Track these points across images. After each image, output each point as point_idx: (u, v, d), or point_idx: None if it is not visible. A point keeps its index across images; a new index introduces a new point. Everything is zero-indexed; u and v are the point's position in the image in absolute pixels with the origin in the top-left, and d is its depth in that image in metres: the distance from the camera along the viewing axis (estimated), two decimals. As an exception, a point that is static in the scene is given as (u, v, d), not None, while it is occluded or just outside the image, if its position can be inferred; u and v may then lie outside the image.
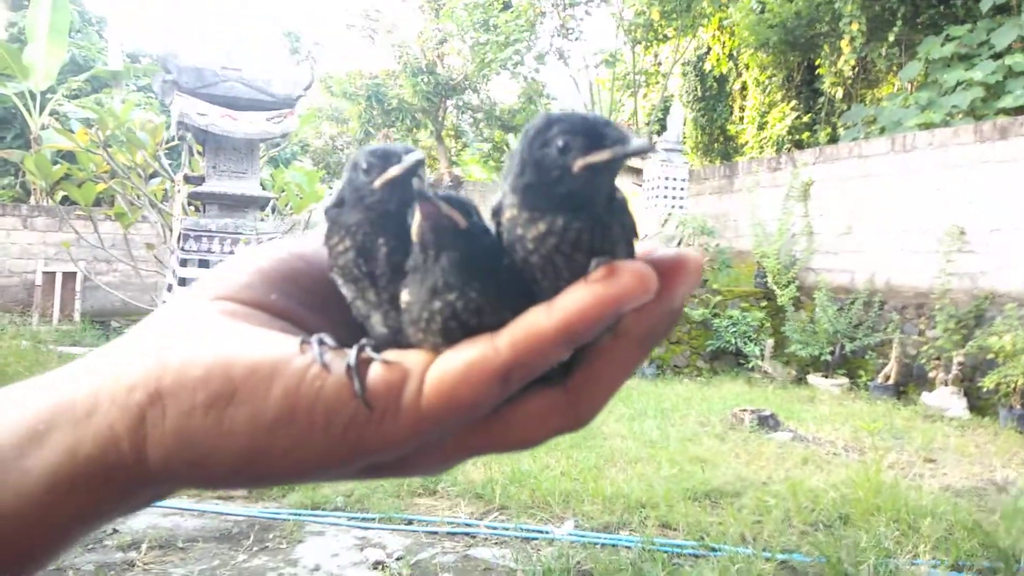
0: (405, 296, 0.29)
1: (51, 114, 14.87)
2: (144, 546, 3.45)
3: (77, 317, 12.16)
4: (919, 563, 3.25)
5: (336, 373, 0.27)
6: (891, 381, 7.92)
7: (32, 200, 14.67)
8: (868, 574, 3.05)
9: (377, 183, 0.30)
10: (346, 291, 0.32)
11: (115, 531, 3.58)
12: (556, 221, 0.27)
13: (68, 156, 7.95)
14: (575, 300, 0.25)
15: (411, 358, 0.27)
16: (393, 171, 0.29)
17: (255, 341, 0.28)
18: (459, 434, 0.28)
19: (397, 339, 0.30)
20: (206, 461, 0.27)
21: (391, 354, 0.27)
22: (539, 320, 0.26)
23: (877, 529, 3.61)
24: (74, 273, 12.10)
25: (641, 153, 0.27)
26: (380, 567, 3.37)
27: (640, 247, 0.30)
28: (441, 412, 0.26)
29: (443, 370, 0.26)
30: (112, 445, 0.27)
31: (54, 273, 12.31)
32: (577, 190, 0.27)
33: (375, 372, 0.27)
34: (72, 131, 7.02)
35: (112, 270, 12.10)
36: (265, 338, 0.28)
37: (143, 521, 3.72)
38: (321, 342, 0.28)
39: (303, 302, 0.32)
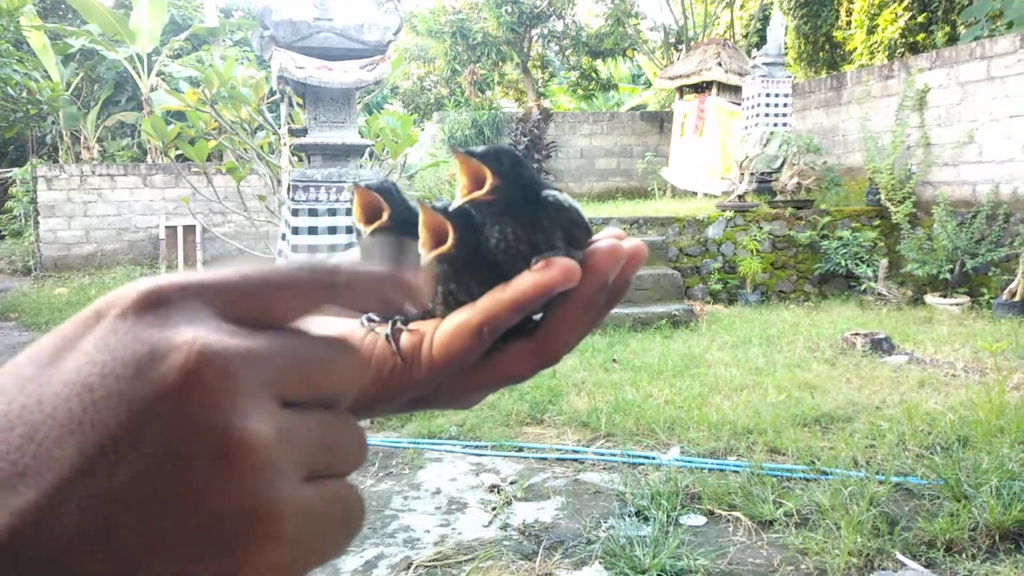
0: None
1: (158, 75, 15.62)
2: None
3: (200, 267, 13.00)
4: (1047, 485, 3.13)
5: (382, 339, 0.40)
6: (1017, 298, 7.42)
7: (149, 159, 15.62)
8: (990, 495, 2.97)
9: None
10: None
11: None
12: (506, 228, 0.40)
13: (178, 115, 8.38)
14: (521, 283, 0.37)
15: (426, 325, 0.40)
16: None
17: (340, 325, 0.42)
18: (466, 373, 0.40)
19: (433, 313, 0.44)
20: None
21: (415, 324, 0.40)
22: (499, 295, 0.38)
23: (1000, 451, 3.48)
24: (194, 226, 12.88)
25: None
26: (496, 490, 3.58)
27: (608, 232, 0.41)
28: (444, 358, 0.38)
29: (443, 330, 0.38)
30: None
31: (175, 227, 13.15)
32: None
33: (404, 337, 0.40)
34: (180, 91, 7.38)
35: (227, 221, 12.74)
36: (344, 323, 0.42)
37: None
38: (370, 319, 0.42)
39: None
